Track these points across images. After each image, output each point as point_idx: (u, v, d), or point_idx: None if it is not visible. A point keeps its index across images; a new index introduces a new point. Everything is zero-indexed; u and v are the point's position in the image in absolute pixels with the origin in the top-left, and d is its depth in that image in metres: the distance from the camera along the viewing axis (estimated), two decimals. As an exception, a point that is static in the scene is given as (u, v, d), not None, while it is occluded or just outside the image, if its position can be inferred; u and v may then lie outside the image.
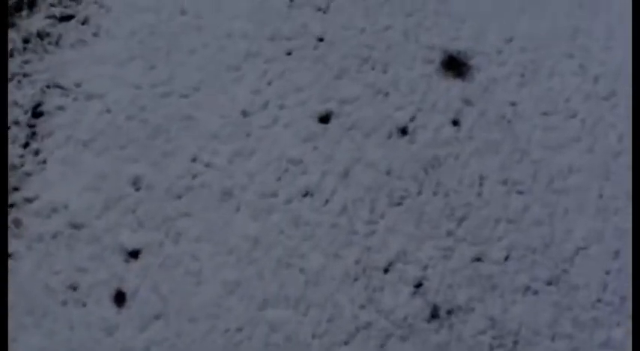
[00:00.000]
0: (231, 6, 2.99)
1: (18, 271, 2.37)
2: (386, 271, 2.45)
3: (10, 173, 2.60)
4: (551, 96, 2.82)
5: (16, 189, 2.61)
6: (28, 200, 2.60)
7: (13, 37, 2.91)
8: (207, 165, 2.66)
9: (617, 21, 3.03)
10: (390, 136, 2.68)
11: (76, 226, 2.64)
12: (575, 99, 2.82)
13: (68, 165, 2.73)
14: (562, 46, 2.96)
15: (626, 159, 2.73)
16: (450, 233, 2.51)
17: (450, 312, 2.36)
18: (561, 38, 2.98)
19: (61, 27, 3.05)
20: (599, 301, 2.44)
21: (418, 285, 2.40)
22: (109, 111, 2.82)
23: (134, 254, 2.58)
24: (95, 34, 3.01)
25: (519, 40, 2.95)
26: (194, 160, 2.67)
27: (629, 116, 2.79)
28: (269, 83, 2.78)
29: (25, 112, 2.80)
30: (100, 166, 2.68)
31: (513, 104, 2.77)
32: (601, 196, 2.63)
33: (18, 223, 2.57)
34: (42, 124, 2.83)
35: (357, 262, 2.47)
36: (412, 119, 2.71)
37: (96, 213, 2.62)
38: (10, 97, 2.78)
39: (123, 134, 2.74)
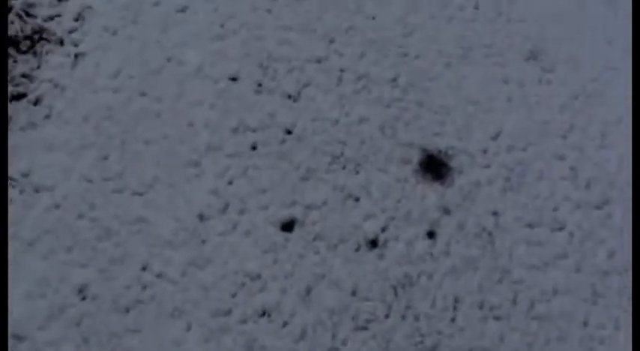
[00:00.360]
0: (195, 90, 2.79)
1: None
2: (345, 408, 2.27)
3: None
4: (537, 204, 2.62)
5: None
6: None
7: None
8: (159, 275, 2.48)
9: (614, 116, 2.81)
10: (358, 249, 2.49)
11: (17, 338, 2.47)
12: (563, 208, 2.62)
13: (12, 267, 2.56)
14: (553, 145, 2.75)
15: (616, 279, 2.52)
16: (417, 365, 2.32)
17: None
18: (553, 135, 2.77)
19: (12, 107, 2.86)
20: None
21: None
22: (57, 207, 2.64)
23: (74, 375, 2.41)
24: (47, 117, 2.83)
25: (507, 137, 2.74)
26: (144, 268, 2.49)
27: (623, 228, 2.58)
28: (230, 183, 2.60)
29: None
30: (45, 270, 2.52)
31: (495, 214, 2.58)
32: (586, 323, 2.43)
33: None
34: (-17, 220, 2.65)
35: (314, 397, 2.29)
36: (383, 230, 2.52)
37: (38, 324, 2.46)
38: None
39: (71, 235, 2.56)
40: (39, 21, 3.13)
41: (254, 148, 2.80)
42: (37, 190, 2.82)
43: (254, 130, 2.83)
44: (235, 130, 2.83)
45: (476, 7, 3.21)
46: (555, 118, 2.96)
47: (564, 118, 2.97)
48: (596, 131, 2.95)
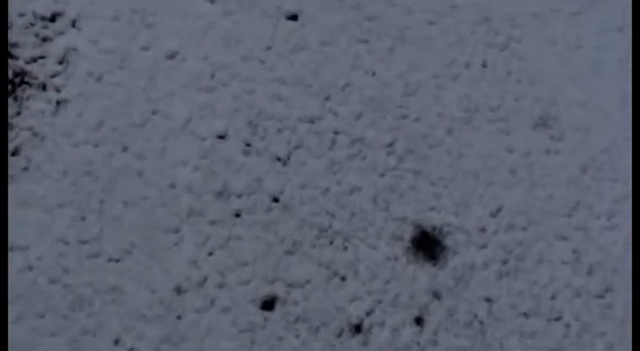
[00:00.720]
0: (179, 147, 2.69)
1: None
2: None
3: None
4: (534, 291, 2.50)
5: None
6: None
7: None
8: (131, 351, 2.40)
9: (624, 193, 2.66)
10: (340, 334, 2.39)
11: (-22, 407, 2.41)
12: (562, 296, 2.50)
13: (-23, 331, 2.48)
14: (556, 224, 2.62)
15: (614, 377, 2.41)
16: None
17: None
18: (557, 214, 2.64)
19: (-12, 156, 2.76)
20: None
21: None
22: (30, 268, 2.57)
23: None
24: (25, 169, 2.74)
25: (507, 214, 2.61)
26: (117, 342, 2.41)
27: (624, 320, 2.45)
28: (210, 253, 2.50)
29: None
30: (15, 337, 2.44)
31: (489, 300, 2.46)
32: None
33: None
34: (-48, 280, 2.59)
35: None
36: (369, 314, 2.42)
37: (2, 394, 2.38)
38: None
39: (43, 300, 2.49)
40: (21, 63, 3.02)
41: (238, 215, 2.69)
42: (10, 249, 2.73)
43: (239, 196, 2.72)
44: (219, 195, 2.72)
45: (484, 66, 3.05)
46: (561, 194, 2.81)
47: (570, 194, 2.82)
48: (603, 210, 2.81)
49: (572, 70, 3.20)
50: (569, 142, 3.01)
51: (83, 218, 2.79)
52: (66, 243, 2.74)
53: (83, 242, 2.74)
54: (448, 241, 2.73)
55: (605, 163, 2.98)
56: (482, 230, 2.77)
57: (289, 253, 2.69)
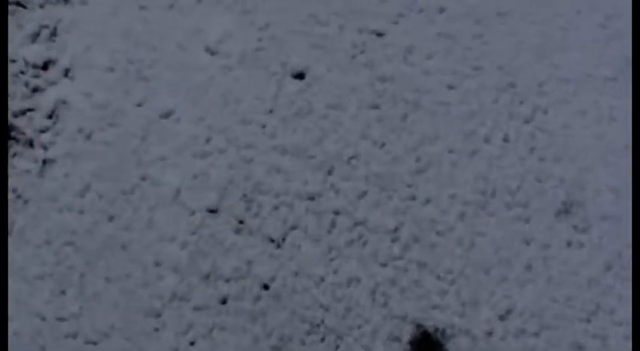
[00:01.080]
0: (168, 221, 2.44)
1: None
2: None
3: None
4: (542, 408, 2.21)
5: None
6: None
7: None
8: None
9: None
10: None
11: None
12: None
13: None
14: (572, 331, 2.31)
15: None
16: None
17: None
18: (574, 318, 2.33)
19: (-33, 217, 2.56)
20: None
21: None
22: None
23: None
24: (8, 233, 2.50)
25: (518, 316, 2.31)
26: None
27: None
28: (192, 343, 2.27)
29: None
30: None
31: None
32: None
33: None
34: None
35: None
36: None
37: None
38: None
39: (13, 381, 2.29)
40: (9, 116, 2.77)
41: (224, 302, 2.44)
42: (-15, 321, 2.53)
43: (227, 280, 2.47)
44: (206, 278, 2.47)
45: (505, 140, 2.71)
46: (580, 295, 2.49)
47: (591, 296, 2.50)
48: (625, 316, 2.47)
49: (603, 146, 2.83)
50: (595, 233, 2.67)
51: (63, 292, 2.57)
52: (43, 319, 2.54)
53: (61, 319, 2.53)
54: (450, 346, 2.44)
55: (630, 260, 2.63)
56: (489, 334, 2.47)
57: (276, 348, 2.43)
